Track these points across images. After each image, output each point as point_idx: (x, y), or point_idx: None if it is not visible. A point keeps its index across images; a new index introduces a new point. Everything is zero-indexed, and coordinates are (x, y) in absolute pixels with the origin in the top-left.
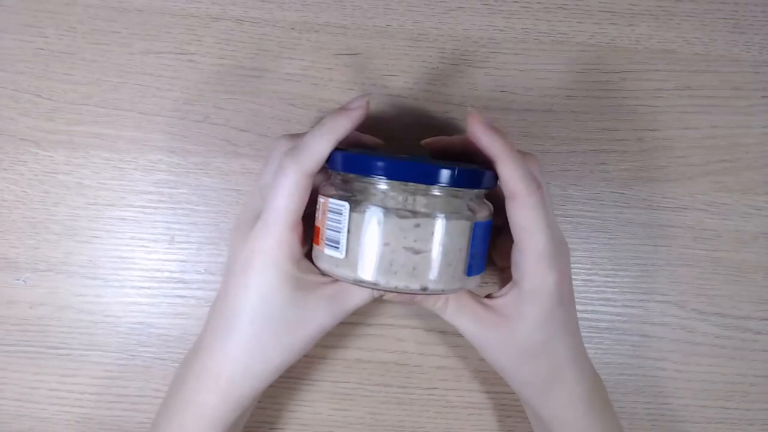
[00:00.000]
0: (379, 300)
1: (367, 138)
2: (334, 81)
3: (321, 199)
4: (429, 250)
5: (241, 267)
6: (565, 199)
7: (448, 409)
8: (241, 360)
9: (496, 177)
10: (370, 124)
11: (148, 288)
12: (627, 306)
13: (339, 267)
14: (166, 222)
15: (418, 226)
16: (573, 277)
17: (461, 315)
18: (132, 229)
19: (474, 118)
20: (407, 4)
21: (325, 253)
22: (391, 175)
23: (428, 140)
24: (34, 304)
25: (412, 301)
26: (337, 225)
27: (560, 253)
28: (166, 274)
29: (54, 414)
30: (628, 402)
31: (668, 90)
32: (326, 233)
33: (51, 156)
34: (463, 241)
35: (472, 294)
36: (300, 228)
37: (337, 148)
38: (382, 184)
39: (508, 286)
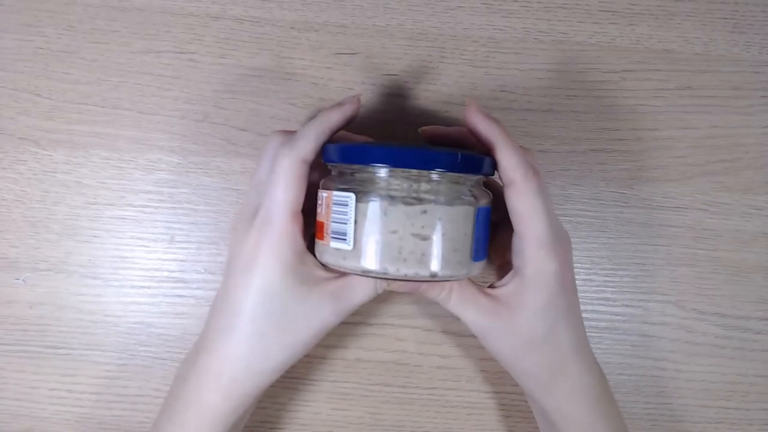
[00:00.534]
0: (379, 300)
1: (360, 138)
2: (333, 81)
3: (323, 194)
4: (436, 236)
5: (242, 264)
6: (565, 198)
7: (448, 408)
8: (243, 358)
9: (494, 164)
10: (370, 124)
11: (148, 287)
12: (627, 306)
13: (346, 259)
14: (166, 222)
15: (424, 212)
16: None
17: (465, 304)
18: (132, 229)
19: (472, 106)
20: (407, 3)
21: (330, 246)
22: (395, 163)
23: (426, 128)
24: (34, 304)
25: (418, 289)
26: (344, 217)
27: (560, 241)
28: (166, 273)
29: (54, 413)
30: (628, 402)
31: (668, 90)
32: (331, 226)
33: (50, 155)
34: (468, 227)
35: (474, 284)
36: (300, 219)
37: (333, 143)
38: (386, 173)
39: (510, 274)
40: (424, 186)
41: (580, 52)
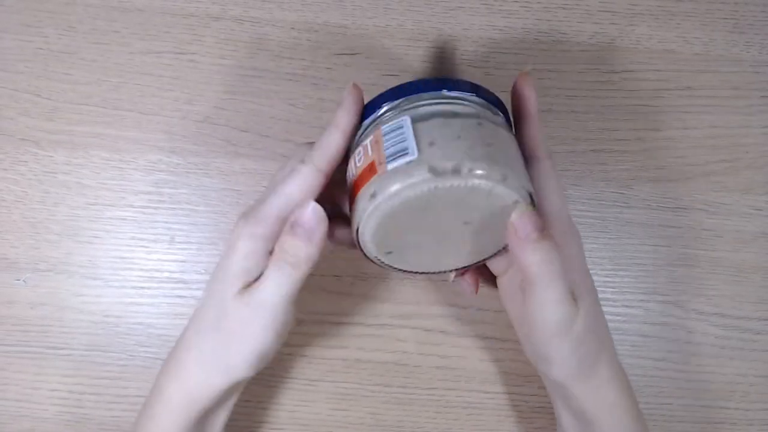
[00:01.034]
0: (379, 300)
1: None
2: (334, 81)
3: (367, 139)
4: (498, 144)
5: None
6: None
7: (447, 409)
8: (197, 360)
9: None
10: None
11: (148, 288)
12: (627, 306)
13: (411, 171)
14: (166, 222)
15: (480, 125)
16: None
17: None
18: (132, 229)
19: (527, 75)
20: (407, 4)
21: (389, 170)
22: (447, 87)
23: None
24: (35, 305)
25: (481, 261)
26: (401, 137)
27: (575, 228)
28: (166, 274)
29: (55, 414)
30: None
31: (668, 90)
32: (387, 151)
33: (51, 156)
34: (512, 144)
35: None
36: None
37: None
38: (432, 100)
39: None
40: (467, 108)
41: (580, 52)
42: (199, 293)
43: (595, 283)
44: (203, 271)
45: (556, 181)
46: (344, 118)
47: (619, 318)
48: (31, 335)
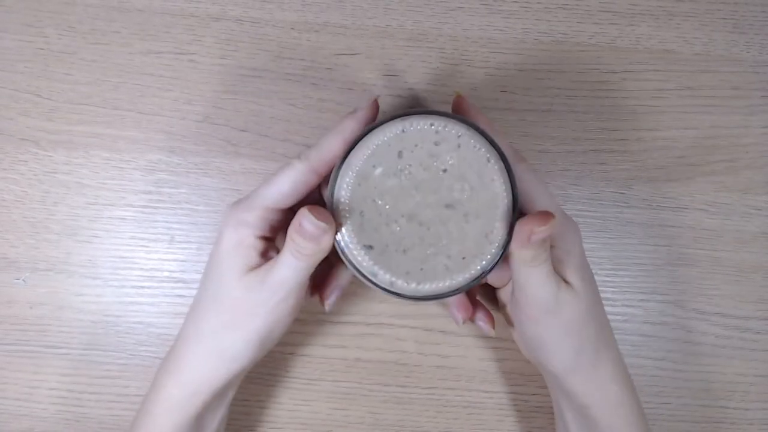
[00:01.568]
0: (379, 300)
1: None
2: (334, 81)
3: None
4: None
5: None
6: (565, 199)
7: (447, 408)
8: (196, 352)
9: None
10: None
11: (148, 288)
12: (627, 306)
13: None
14: (166, 222)
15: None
16: None
17: (526, 267)
18: (132, 229)
19: (463, 99)
20: (407, 4)
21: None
22: None
23: (460, 96)
24: (34, 304)
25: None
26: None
27: (572, 221)
28: (166, 273)
29: (54, 413)
30: None
31: (668, 90)
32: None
33: (51, 156)
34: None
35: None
36: (275, 216)
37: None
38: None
39: None
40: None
41: (580, 52)
42: None
43: (596, 283)
44: (203, 271)
45: (537, 179)
46: (350, 127)
47: (619, 317)
48: (30, 334)
